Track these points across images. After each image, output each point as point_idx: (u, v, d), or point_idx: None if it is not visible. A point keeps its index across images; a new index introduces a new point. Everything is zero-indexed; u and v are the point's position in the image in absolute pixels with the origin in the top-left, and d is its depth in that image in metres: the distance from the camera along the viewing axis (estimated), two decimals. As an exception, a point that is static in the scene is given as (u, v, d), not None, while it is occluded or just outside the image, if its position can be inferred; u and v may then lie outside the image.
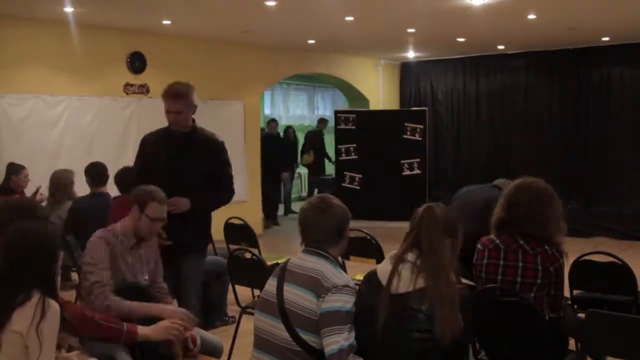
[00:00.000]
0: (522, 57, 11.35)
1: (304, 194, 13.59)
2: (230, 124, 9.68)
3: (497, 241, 3.24)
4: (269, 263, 4.72)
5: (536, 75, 11.33)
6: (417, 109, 11.40)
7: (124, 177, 5.06)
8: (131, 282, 3.33)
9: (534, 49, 10.92)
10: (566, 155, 10.91)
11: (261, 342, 2.65)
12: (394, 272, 2.48)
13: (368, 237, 4.92)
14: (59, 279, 2.57)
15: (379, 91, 12.55)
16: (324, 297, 2.49)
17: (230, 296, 5.18)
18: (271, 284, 2.68)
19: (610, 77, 10.58)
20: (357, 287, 2.62)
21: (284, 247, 8.23)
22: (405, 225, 2.69)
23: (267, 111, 13.62)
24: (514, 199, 3.22)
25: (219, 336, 5.14)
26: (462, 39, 9.85)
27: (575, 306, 4.01)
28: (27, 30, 7.36)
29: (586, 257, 4.18)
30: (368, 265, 4.13)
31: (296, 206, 12.75)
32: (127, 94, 8.41)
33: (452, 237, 2.58)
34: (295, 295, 2.56)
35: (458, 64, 12.21)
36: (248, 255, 4.66)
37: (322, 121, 12.79)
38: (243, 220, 5.88)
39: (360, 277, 2.73)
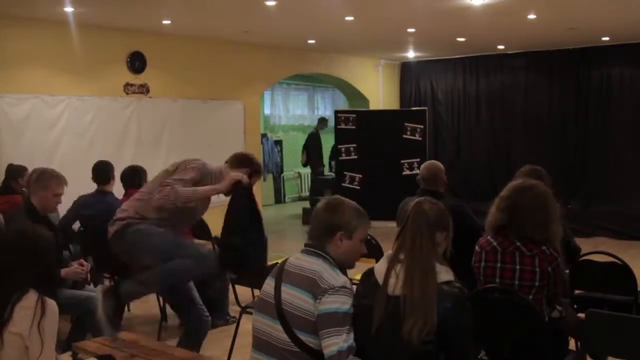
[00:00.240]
0: (522, 57, 11.36)
1: (305, 193, 13.59)
2: (230, 124, 9.69)
3: (495, 243, 3.23)
4: (269, 263, 4.72)
5: (536, 75, 11.33)
6: (417, 109, 11.39)
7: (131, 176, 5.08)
8: None
9: (534, 49, 10.92)
10: (566, 155, 10.91)
11: (260, 343, 2.64)
12: (390, 272, 2.48)
13: (368, 237, 4.90)
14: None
15: (379, 91, 12.56)
16: (320, 299, 2.48)
17: (230, 296, 5.18)
18: (269, 284, 2.67)
19: (610, 77, 10.58)
20: (355, 287, 2.61)
21: (284, 247, 8.22)
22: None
23: (267, 111, 13.61)
24: (513, 201, 3.21)
25: (219, 336, 5.18)
26: (462, 39, 9.85)
27: (575, 306, 4.01)
28: (27, 30, 7.36)
29: (586, 257, 4.18)
30: (368, 265, 4.12)
31: (296, 206, 12.78)
32: (127, 94, 8.41)
33: (446, 231, 2.57)
34: (292, 296, 2.55)
35: (458, 64, 12.21)
36: (248, 255, 4.65)
37: (321, 121, 12.81)
38: (243, 220, 5.87)
39: (359, 277, 2.72)
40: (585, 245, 4.78)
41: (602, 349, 3.16)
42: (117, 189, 5.50)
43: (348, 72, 11.87)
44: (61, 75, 7.73)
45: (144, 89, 8.57)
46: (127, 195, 5.24)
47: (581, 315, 3.31)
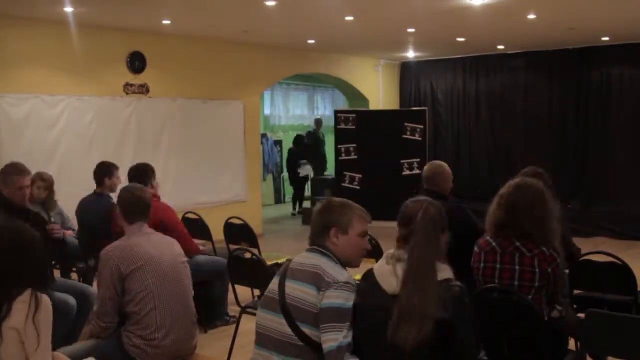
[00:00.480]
0: (522, 57, 11.36)
1: (307, 193, 13.58)
2: (230, 124, 9.69)
3: (494, 244, 3.23)
4: (269, 263, 4.72)
5: (536, 75, 11.33)
6: (417, 109, 11.40)
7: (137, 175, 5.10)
8: None
9: (533, 49, 10.92)
10: (566, 155, 10.92)
11: (263, 339, 2.68)
12: (390, 272, 2.49)
13: (368, 237, 4.91)
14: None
15: (379, 91, 12.56)
16: (324, 292, 2.52)
17: (230, 296, 5.18)
18: (274, 283, 2.73)
19: (610, 77, 10.58)
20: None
21: (284, 247, 8.23)
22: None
23: (267, 111, 13.63)
24: (512, 198, 3.21)
25: (219, 336, 5.19)
26: (462, 39, 9.85)
27: (575, 306, 4.01)
28: (27, 30, 7.36)
29: (586, 257, 4.18)
30: (368, 265, 4.12)
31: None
32: (127, 94, 8.41)
33: (446, 232, 2.60)
34: (296, 290, 2.59)
35: (458, 64, 12.21)
36: (248, 256, 4.66)
37: (316, 122, 12.83)
38: (243, 220, 5.88)
39: (359, 277, 2.73)
40: (585, 245, 4.79)
41: (602, 349, 3.16)
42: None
43: (348, 72, 11.87)
44: (61, 75, 7.72)
45: (144, 89, 8.57)
46: None
47: (581, 315, 3.31)
